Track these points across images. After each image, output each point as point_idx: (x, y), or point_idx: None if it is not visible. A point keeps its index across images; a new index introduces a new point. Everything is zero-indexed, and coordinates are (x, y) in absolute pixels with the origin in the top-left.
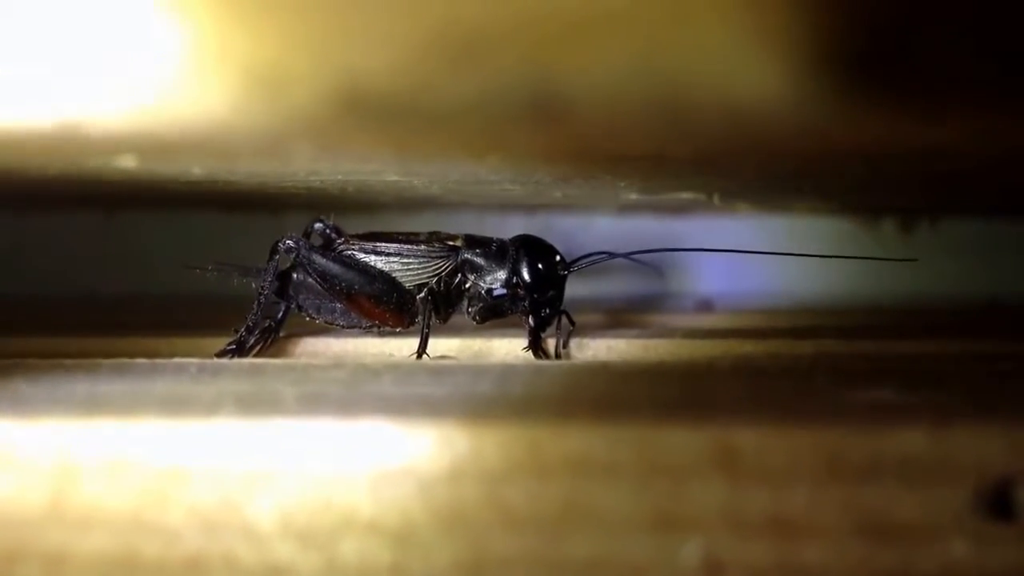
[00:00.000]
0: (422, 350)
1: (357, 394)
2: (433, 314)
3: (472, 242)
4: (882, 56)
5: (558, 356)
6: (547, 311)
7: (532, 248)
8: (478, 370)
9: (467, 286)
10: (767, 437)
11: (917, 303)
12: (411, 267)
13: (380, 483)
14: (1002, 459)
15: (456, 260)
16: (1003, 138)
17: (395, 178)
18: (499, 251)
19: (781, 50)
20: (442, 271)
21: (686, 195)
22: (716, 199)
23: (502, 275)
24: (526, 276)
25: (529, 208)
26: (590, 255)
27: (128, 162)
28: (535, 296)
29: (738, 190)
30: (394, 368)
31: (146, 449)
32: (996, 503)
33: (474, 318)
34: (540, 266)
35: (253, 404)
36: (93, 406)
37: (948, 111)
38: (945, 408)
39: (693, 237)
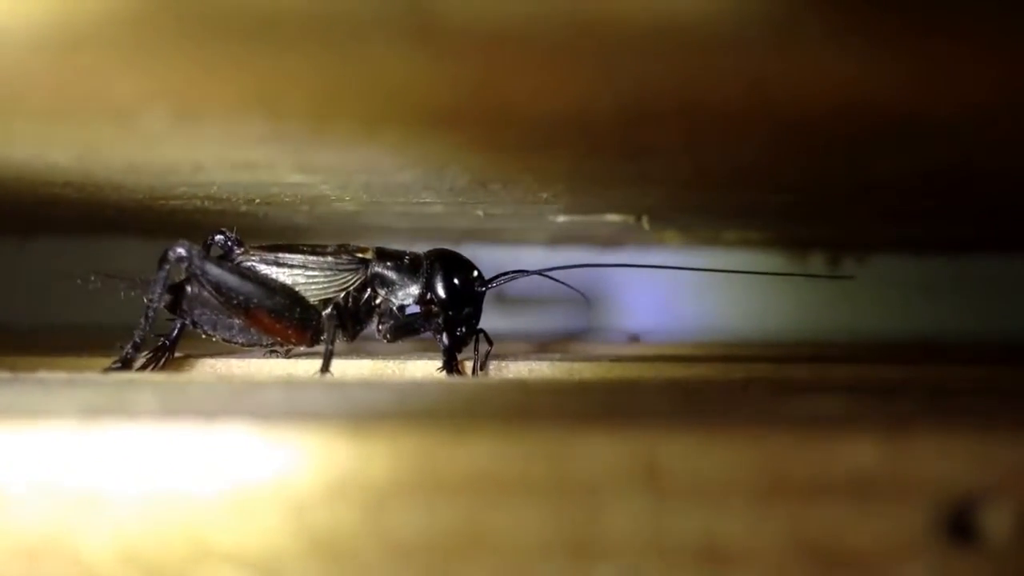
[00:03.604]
0: (325, 369)
1: (225, 401)
2: (340, 331)
3: (383, 255)
4: None
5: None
6: (463, 330)
7: (448, 262)
8: (375, 383)
9: (377, 302)
10: (697, 450)
11: (847, 339)
12: (316, 280)
13: (242, 504)
14: (964, 475)
15: (366, 274)
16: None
17: (296, 177)
18: (412, 265)
19: None
20: (350, 285)
21: (614, 217)
22: (645, 222)
23: (415, 290)
24: (441, 292)
25: (457, 237)
26: (508, 272)
27: None
28: (450, 313)
29: (668, 211)
30: (284, 382)
31: None
32: (957, 525)
33: (384, 336)
34: (456, 281)
35: (94, 411)
36: None
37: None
38: (898, 418)
39: (623, 269)
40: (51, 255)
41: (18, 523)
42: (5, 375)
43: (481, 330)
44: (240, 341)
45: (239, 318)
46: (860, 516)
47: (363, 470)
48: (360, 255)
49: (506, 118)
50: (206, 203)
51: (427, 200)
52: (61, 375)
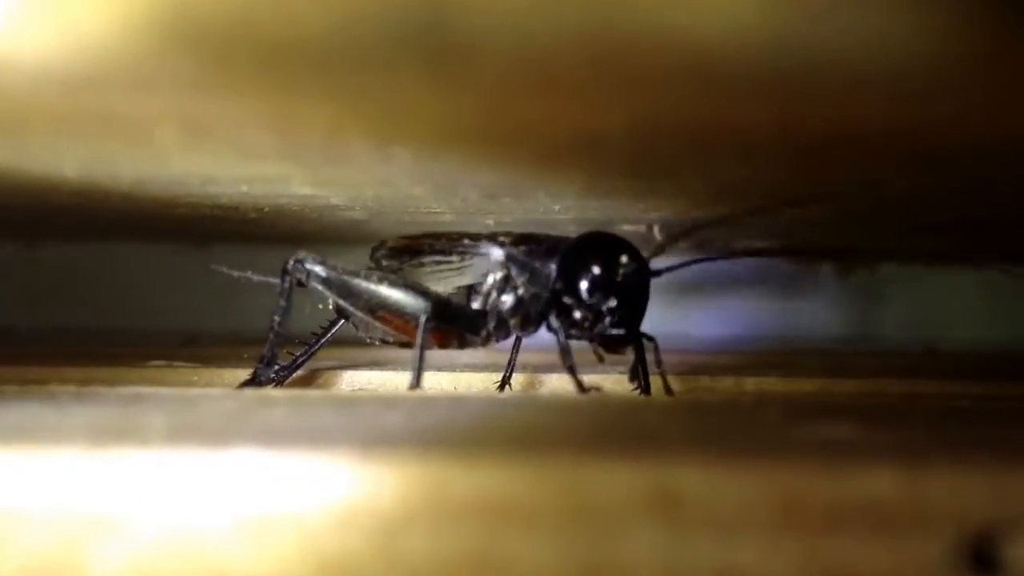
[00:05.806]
0: (416, 380)
1: (236, 425)
2: (479, 332)
3: (521, 240)
4: None
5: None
6: (612, 327)
7: (597, 247)
8: (388, 401)
9: (519, 293)
10: (713, 478)
11: (855, 348)
12: (448, 273)
13: (253, 529)
14: (984, 507)
15: (499, 263)
16: None
17: (306, 190)
18: (553, 251)
19: None
20: (486, 278)
21: (625, 227)
22: (657, 232)
23: (555, 280)
24: (584, 283)
25: None
26: (690, 261)
27: None
28: (603, 307)
29: (680, 223)
30: (296, 399)
31: None
32: (977, 556)
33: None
34: (603, 270)
35: (108, 435)
36: None
37: None
38: (915, 447)
39: None
40: (58, 260)
41: (33, 543)
42: (12, 388)
43: (643, 334)
44: (380, 339)
45: (370, 318)
46: (877, 547)
47: (370, 495)
48: (501, 239)
49: (519, 137)
50: (215, 212)
51: (436, 210)
52: (70, 388)
